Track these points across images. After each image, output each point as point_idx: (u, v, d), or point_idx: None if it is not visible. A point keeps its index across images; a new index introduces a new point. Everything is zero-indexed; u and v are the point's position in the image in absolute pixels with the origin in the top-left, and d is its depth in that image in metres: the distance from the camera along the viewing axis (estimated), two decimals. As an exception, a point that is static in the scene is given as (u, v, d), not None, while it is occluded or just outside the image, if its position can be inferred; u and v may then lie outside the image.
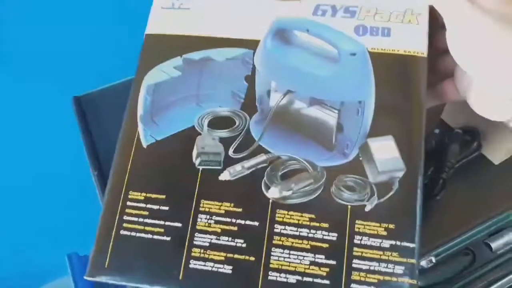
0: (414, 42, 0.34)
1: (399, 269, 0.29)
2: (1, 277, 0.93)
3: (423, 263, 0.43)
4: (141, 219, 0.32)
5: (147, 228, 0.32)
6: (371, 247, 0.30)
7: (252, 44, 0.35)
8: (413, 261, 0.29)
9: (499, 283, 0.43)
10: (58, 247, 0.76)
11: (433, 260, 0.43)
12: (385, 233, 0.30)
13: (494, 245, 0.44)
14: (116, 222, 0.32)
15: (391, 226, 0.30)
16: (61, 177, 0.76)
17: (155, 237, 0.31)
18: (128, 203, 0.32)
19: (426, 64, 0.33)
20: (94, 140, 0.53)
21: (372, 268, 0.29)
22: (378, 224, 0.30)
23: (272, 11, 0.36)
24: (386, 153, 0.31)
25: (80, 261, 0.73)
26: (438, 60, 0.35)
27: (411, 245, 0.30)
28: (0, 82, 0.62)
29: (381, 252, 0.30)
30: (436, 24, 0.34)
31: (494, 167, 0.48)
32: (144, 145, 0.34)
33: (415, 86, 0.33)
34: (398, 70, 0.33)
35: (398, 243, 0.30)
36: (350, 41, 0.34)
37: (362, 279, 0.29)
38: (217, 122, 0.34)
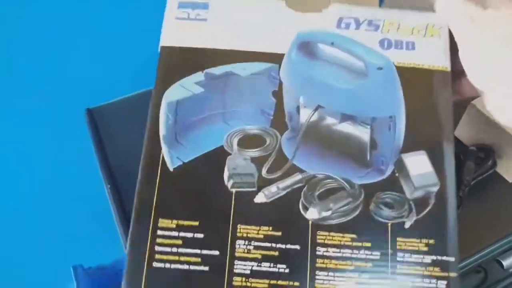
0: (437, 57, 0.34)
1: (441, 284, 0.30)
2: None
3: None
4: (174, 249, 0.30)
5: (182, 258, 0.30)
6: (413, 263, 0.30)
7: (276, 58, 0.34)
8: (454, 274, 0.30)
9: None
10: (63, 259, 0.72)
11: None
12: (426, 248, 0.30)
13: (505, 263, 0.45)
14: (147, 254, 0.30)
15: (431, 241, 0.30)
16: (67, 189, 0.73)
17: (192, 267, 0.29)
18: (159, 232, 0.30)
19: (450, 78, 0.34)
20: (107, 153, 0.51)
21: (415, 284, 0.30)
22: (418, 240, 0.30)
23: (294, 23, 0.35)
24: (420, 168, 0.32)
25: (85, 273, 0.70)
26: (457, 56, 0.36)
27: (451, 259, 0.30)
28: (13, 94, 0.60)
29: (423, 268, 0.30)
30: None
31: (508, 185, 0.48)
32: (171, 168, 0.31)
33: (442, 100, 0.33)
34: (424, 84, 0.34)
35: (439, 257, 0.30)
36: (377, 55, 0.34)
37: (408, 296, 0.29)
38: (247, 141, 0.32)
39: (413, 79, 0.33)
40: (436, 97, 0.33)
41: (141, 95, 0.54)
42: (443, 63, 0.34)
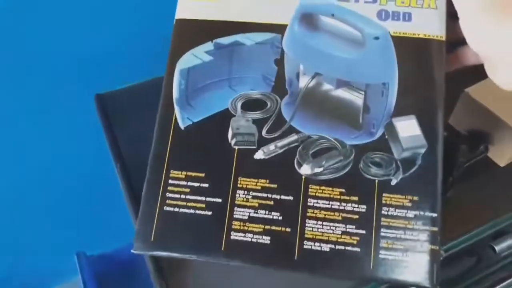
0: (433, 27, 0.36)
1: (423, 236, 0.32)
2: (8, 276, 0.94)
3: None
4: (183, 196, 0.34)
5: (189, 204, 0.34)
6: (397, 217, 0.33)
7: (279, 29, 0.37)
8: (435, 229, 0.32)
9: (503, 284, 0.46)
10: (65, 247, 0.77)
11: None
12: (409, 204, 0.33)
13: (498, 247, 0.46)
14: (159, 199, 0.34)
15: (415, 198, 0.33)
16: (72, 177, 0.78)
17: (198, 212, 0.34)
18: (170, 181, 0.35)
19: (444, 47, 0.36)
20: (116, 135, 0.55)
21: (398, 236, 0.32)
22: (403, 197, 0.33)
23: (298, -3, 0.37)
24: (409, 131, 0.34)
25: (88, 260, 0.75)
26: (457, 25, 0.37)
27: (433, 214, 0.33)
28: (25, 79, 0.64)
29: (406, 222, 0.33)
30: None
31: (500, 170, 0.49)
32: (182, 127, 0.36)
33: (434, 69, 0.35)
34: (419, 53, 0.35)
35: (422, 213, 0.33)
36: (374, 25, 0.36)
37: (390, 246, 0.32)
38: (250, 104, 0.36)
39: (408, 48, 0.35)
40: (430, 65, 0.35)
41: (147, 83, 0.58)
42: (438, 32, 0.36)
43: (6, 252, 0.83)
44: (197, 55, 0.37)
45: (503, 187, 0.48)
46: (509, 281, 0.45)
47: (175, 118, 0.36)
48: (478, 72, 0.48)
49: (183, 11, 0.38)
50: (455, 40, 0.37)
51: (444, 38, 0.35)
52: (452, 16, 0.36)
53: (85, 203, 0.83)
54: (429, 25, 0.36)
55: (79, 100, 0.62)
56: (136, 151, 0.53)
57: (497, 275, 0.50)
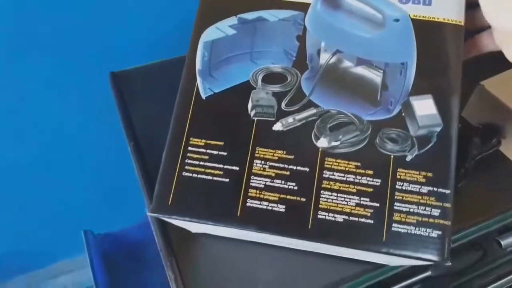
0: (453, 11, 0.37)
1: (435, 212, 0.33)
2: (14, 250, 0.95)
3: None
4: (201, 163, 0.35)
5: (207, 171, 0.35)
6: (411, 192, 0.33)
7: (303, 7, 0.38)
8: (448, 205, 0.33)
9: (508, 277, 0.46)
10: (73, 225, 0.78)
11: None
12: (423, 180, 0.33)
13: (504, 242, 0.47)
14: (178, 165, 0.35)
15: (429, 174, 0.33)
16: (83, 155, 0.78)
17: (215, 178, 0.35)
18: (190, 148, 0.35)
19: (463, 31, 0.36)
20: (130, 113, 0.56)
21: (411, 210, 0.33)
22: (417, 172, 0.34)
23: (322, -23, 0.38)
24: (426, 110, 0.35)
25: (96, 238, 0.76)
26: (475, 13, 0.37)
27: (447, 191, 0.33)
28: (40, 56, 0.65)
29: (419, 197, 0.33)
30: None
31: (511, 164, 0.49)
32: (203, 96, 0.36)
33: (452, 51, 0.36)
34: (438, 36, 0.36)
35: (435, 189, 0.33)
36: (394, 8, 0.37)
37: (403, 219, 0.33)
38: (271, 78, 0.37)
39: (427, 30, 0.36)
40: (448, 48, 0.36)
41: (163, 63, 0.59)
42: (457, 17, 0.36)
43: (13, 227, 0.84)
44: (221, 29, 0.38)
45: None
46: (512, 276, 0.46)
47: (197, 88, 0.37)
48: (493, 66, 0.49)
49: (209, -13, 0.39)
50: (473, 28, 0.38)
51: (462, 23, 0.36)
52: (470, 6, 0.37)
53: (95, 182, 0.84)
54: (448, 9, 0.37)
55: (94, 78, 0.63)
56: (149, 130, 0.54)
57: (502, 269, 0.51)
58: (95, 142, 0.76)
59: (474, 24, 0.38)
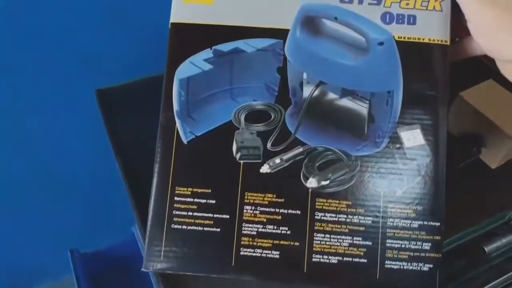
0: (438, 30, 0.35)
1: (426, 246, 0.33)
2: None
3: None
4: (190, 213, 0.34)
5: (197, 221, 0.34)
6: (402, 228, 0.34)
7: (281, 34, 0.35)
8: (438, 237, 0.33)
9: (492, 283, 0.47)
10: (58, 244, 0.76)
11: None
12: (414, 214, 0.34)
13: (488, 248, 0.48)
14: (166, 218, 0.34)
15: (419, 208, 0.34)
16: (69, 173, 0.77)
17: (206, 229, 0.34)
18: (176, 198, 0.34)
19: (449, 52, 0.35)
20: (117, 130, 0.54)
21: (403, 246, 0.33)
22: (408, 207, 0.34)
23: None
24: (414, 141, 0.34)
25: (82, 257, 0.74)
26: (462, 16, 0.36)
27: (437, 223, 0.34)
28: (27, 75, 0.63)
29: (411, 232, 0.33)
30: None
31: (491, 172, 0.50)
32: (185, 141, 0.35)
33: (439, 75, 0.35)
34: (423, 58, 0.35)
35: (425, 222, 0.34)
36: (378, 29, 0.35)
37: (395, 256, 0.33)
38: (254, 116, 0.35)
39: (413, 53, 0.35)
40: (435, 71, 0.35)
41: (149, 80, 0.57)
42: (442, 36, 0.35)
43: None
44: (196, 64, 0.36)
45: (494, 189, 0.49)
46: (497, 281, 0.48)
47: (177, 132, 0.35)
48: (471, 77, 0.49)
49: (178, 15, 0.36)
50: (460, 29, 0.36)
51: (448, 42, 0.35)
52: (456, 8, 0.35)
53: (81, 200, 0.82)
54: (434, 29, 0.35)
55: (80, 95, 0.60)
56: (137, 146, 0.52)
57: (486, 276, 0.52)
58: (80, 159, 0.75)
59: (461, 24, 0.36)
